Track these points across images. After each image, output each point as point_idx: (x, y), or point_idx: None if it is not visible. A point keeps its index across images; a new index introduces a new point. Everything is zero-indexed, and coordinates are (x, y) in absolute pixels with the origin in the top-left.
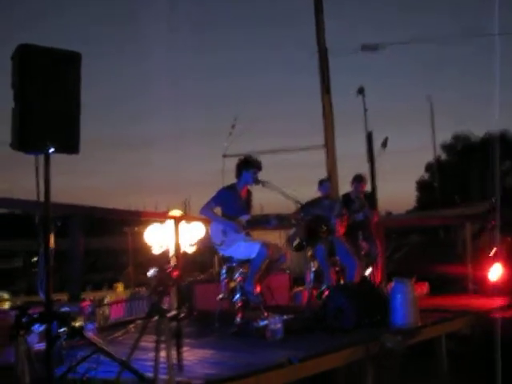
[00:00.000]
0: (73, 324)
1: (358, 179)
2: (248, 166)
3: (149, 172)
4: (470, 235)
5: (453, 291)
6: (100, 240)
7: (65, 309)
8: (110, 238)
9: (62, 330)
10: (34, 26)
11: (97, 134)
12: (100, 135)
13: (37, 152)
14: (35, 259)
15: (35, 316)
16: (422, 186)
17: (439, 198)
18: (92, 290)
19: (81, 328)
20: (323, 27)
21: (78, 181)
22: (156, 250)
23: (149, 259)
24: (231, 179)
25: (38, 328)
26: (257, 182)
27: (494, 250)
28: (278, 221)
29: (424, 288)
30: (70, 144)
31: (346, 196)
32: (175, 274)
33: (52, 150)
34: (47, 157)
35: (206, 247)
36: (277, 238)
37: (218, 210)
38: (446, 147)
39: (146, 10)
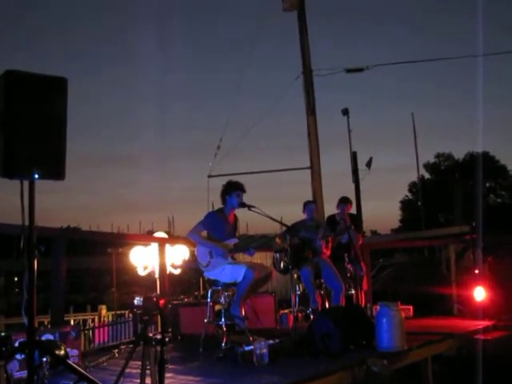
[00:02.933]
0: (56, 352)
1: (344, 201)
2: (230, 189)
3: (134, 190)
4: (453, 255)
5: (438, 312)
6: (82, 260)
7: (47, 336)
8: (93, 258)
9: (44, 359)
10: (22, 50)
11: (83, 152)
12: (86, 153)
13: (21, 178)
14: (16, 279)
15: (16, 346)
16: (406, 205)
17: (423, 217)
18: (75, 312)
19: (64, 356)
20: (308, 48)
21: (63, 198)
22: (141, 272)
23: (134, 280)
24: (216, 199)
25: (20, 356)
26: (242, 205)
27: (477, 271)
28: (258, 248)
29: (409, 312)
30: (55, 170)
31: (331, 218)
32: (161, 302)
33: (36, 176)
34: (32, 183)
35: (191, 269)
36: (263, 258)
37: (204, 233)
38: (430, 166)
39: (135, 31)
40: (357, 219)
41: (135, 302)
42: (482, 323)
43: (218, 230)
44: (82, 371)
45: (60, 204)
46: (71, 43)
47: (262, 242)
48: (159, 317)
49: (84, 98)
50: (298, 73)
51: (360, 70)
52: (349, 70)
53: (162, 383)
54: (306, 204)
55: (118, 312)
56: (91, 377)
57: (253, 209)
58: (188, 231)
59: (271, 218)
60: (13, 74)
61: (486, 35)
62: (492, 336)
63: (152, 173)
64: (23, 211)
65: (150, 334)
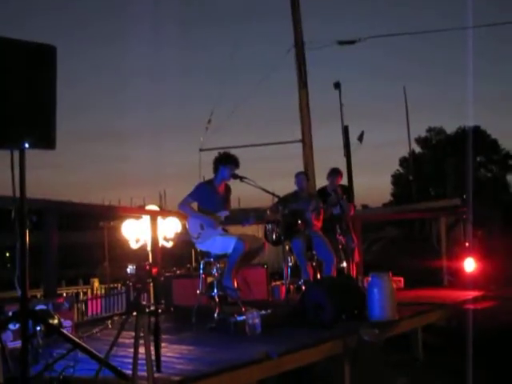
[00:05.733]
0: (50, 321)
1: (334, 173)
2: (226, 161)
3: (124, 166)
4: (444, 228)
5: (429, 283)
6: (73, 235)
7: (40, 306)
8: (84, 232)
9: (38, 328)
10: (11, 23)
11: (73, 128)
12: (76, 129)
13: (11, 148)
14: (7, 255)
15: (10, 315)
16: (397, 179)
17: (414, 191)
18: (67, 285)
19: (58, 325)
20: (300, 21)
21: (54, 174)
22: (133, 245)
23: (126, 254)
24: (208, 172)
25: (13, 326)
26: (234, 176)
27: (467, 243)
28: (257, 219)
29: (400, 283)
30: (45, 139)
31: (322, 190)
32: (154, 270)
33: (27, 145)
34: (22, 152)
35: (183, 242)
36: (255, 230)
37: (195, 205)
38: (421, 141)
39: (126, 7)
40: (348, 190)
41: (128, 270)
42: (471, 294)
43: (207, 201)
44: (76, 339)
45: (50, 180)
46: (61, 18)
47: (256, 215)
48: (152, 285)
49: (73, 75)
50: (289, 46)
51: (352, 42)
52: (341, 42)
53: (159, 351)
54: (298, 175)
55: (111, 285)
56: (85, 345)
57: (245, 180)
58: (178, 203)
59: (263, 190)
60: (1, 41)
61: (477, 7)
62: (481, 306)
63: (143, 148)
64: (14, 182)
65: (144, 303)
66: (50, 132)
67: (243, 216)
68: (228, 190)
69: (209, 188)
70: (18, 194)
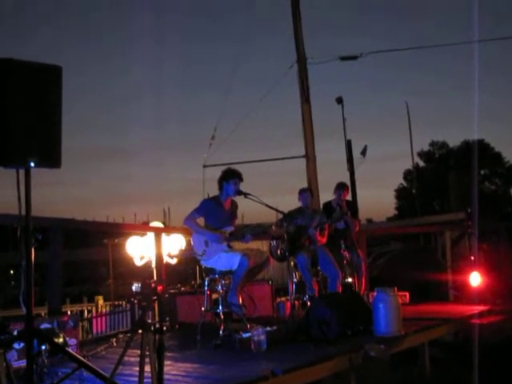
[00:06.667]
0: (55, 340)
1: (341, 187)
2: (227, 177)
3: (129, 183)
4: (449, 242)
5: (434, 298)
6: (77, 252)
7: (45, 325)
8: (88, 250)
9: (43, 347)
10: (16, 41)
11: (77, 145)
12: (80, 147)
13: (17, 167)
14: (11, 272)
15: (15, 334)
16: (400, 193)
17: (418, 205)
18: (71, 303)
19: (63, 344)
20: (302, 36)
21: (57, 191)
22: (137, 262)
23: (130, 271)
24: (211, 188)
25: (18, 345)
26: (239, 193)
27: (472, 257)
28: (254, 235)
29: (405, 298)
30: (51, 158)
31: (327, 204)
32: (159, 288)
33: (32, 164)
34: (27, 171)
35: (188, 258)
36: (259, 245)
37: (201, 221)
38: (424, 154)
39: (128, 24)
40: (353, 206)
41: (133, 288)
42: (477, 308)
43: (213, 217)
44: (81, 359)
45: (54, 198)
46: (65, 35)
47: (258, 230)
48: (157, 303)
49: (77, 92)
50: (292, 62)
51: (354, 57)
52: (343, 58)
53: (162, 369)
54: (301, 192)
55: (116, 302)
56: (90, 364)
57: (249, 196)
58: (184, 218)
59: (267, 206)
60: (7, 62)
61: (481, 22)
62: (487, 320)
63: (147, 165)
64: (19, 200)
65: (149, 321)
66: (55, 151)
67: (239, 233)
68: (234, 205)
69: (215, 203)
70: (23, 212)
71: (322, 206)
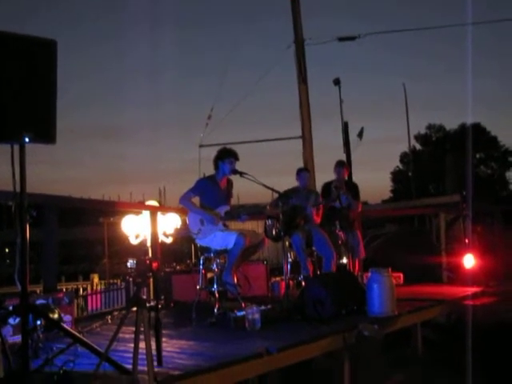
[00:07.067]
0: (50, 315)
1: (340, 165)
2: (223, 156)
3: (124, 162)
4: (443, 224)
5: (428, 280)
6: (73, 231)
7: (41, 301)
8: (84, 228)
9: (38, 322)
10: (10, 18)
11: (73, 124)
12: (76, 125)
13: (11, 142)
14: (6, 250)
15: (10, 309)
16: (396, 176)
17: (413, 187)
18: (66, 281)
19: (58, 320)
20: (299, 17)
21: (53, 170)
22: (133, 240)
23: (126, 249)
24: (207, 168)
25: (13, 320)
26: (234, 172)
27: (466, 239)
28: (250, 215)
29: (399, 279)
30: (46, 133)
31: (327, 185)
32: (154, 265)
33: (27, 139)
34: (22, 147)
35: (183, 237)
36: (255, 226)
37: (196, 200)
38: (421, 137)
39: (126, 4)
40: (354, 187)
41: (128, 264)
42: (471, 290)
43: (208, 196)
44: (76, 334)
45: (50, 176)
46: (61, 14)
47: (253, 210)
48: (152, 280)
49: (73, 72)
50: (289, 43)
51: (352, 38)
52: (341, 39)
53: (160, 345)
54: (300, 171)
55: (111, 281)
56: (85, 339)
57: (245, 175)
58: (179, 197)
59: (263, 185)
60: (1, 35)
61: (478, 3)
62: (481, 302)
63: (143, 145)
64: (14, 177)
65: (144, 298)
66: (50, 126)
67: (236, 213)
68: (230, 184)
69: (210, 183)
70: (18, 188)
71: (321, 186)
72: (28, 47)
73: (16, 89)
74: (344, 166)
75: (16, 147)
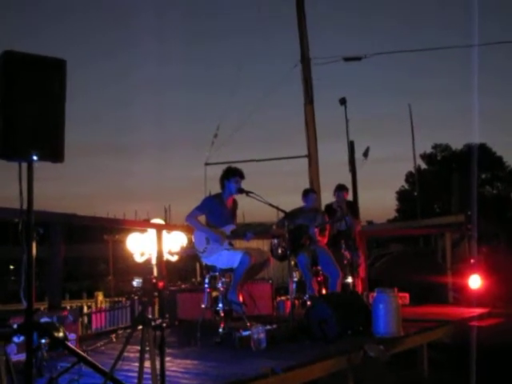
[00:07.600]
0: (55, 334)
1: (341, 188)
2: (229, 175)
3: (129, 179)
4: (449, 245)
5: (434, 300)
6: (78, 248)
7: (45, 319)
8: (88, 245)
9: (43, 341)
10: (21, 35)
11: (81, 141)
12: (84, 142)
13: (20, 160)
14: (12, 267)
15: (15, 327)
16: (402, 195)
17: (419, 207)
18: (70, 299)
19: (63, 338)
20: (306, 37)
21: (59, 187)
22: (138, 258)
23: (130, 267)
24: (213, 187)
25: (18, 338)
26: (240, 191)
27: (472, 260)
28: (255, 234)
29: (405, 299)
30: (54, 152)
31: (329, 206)
32: (160, 284)
33: (35, 157)
34: (30, 165)
35: (188, 255)
36: (260, 244)
37: (202, 219)
38: (426, 157)
39: (134, 23)
40: (354, 206)
41: (134, 283)
42: (476, 311)
43: (214, 215)
44: (81, 353)
45: (56, 193)
46: (70, 32)
47: (259, 229)
48: (158, 299)
49: (81, 89)
50: (296, 62)
51: (358, 58)
52: (347, 59)
53: (163, 365)
54: (308, 193)
55: (116, 299)
56: (90, 358)
57: (251, 194)
58: (186, 215)
59: (269, 204)
60: (12, 55)
61: (483, 25)
62: (487, 323)
63: (148, 162)
64: (21, 194)
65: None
66: (58, 145)
67: (241, 232)
68: (235, 203)
69: (217, 201)
70: (25, 206)
71: (324, 207)
72: (38, 66)
73: (25, 107)
74: (344, 189)
75: (24, 165)
